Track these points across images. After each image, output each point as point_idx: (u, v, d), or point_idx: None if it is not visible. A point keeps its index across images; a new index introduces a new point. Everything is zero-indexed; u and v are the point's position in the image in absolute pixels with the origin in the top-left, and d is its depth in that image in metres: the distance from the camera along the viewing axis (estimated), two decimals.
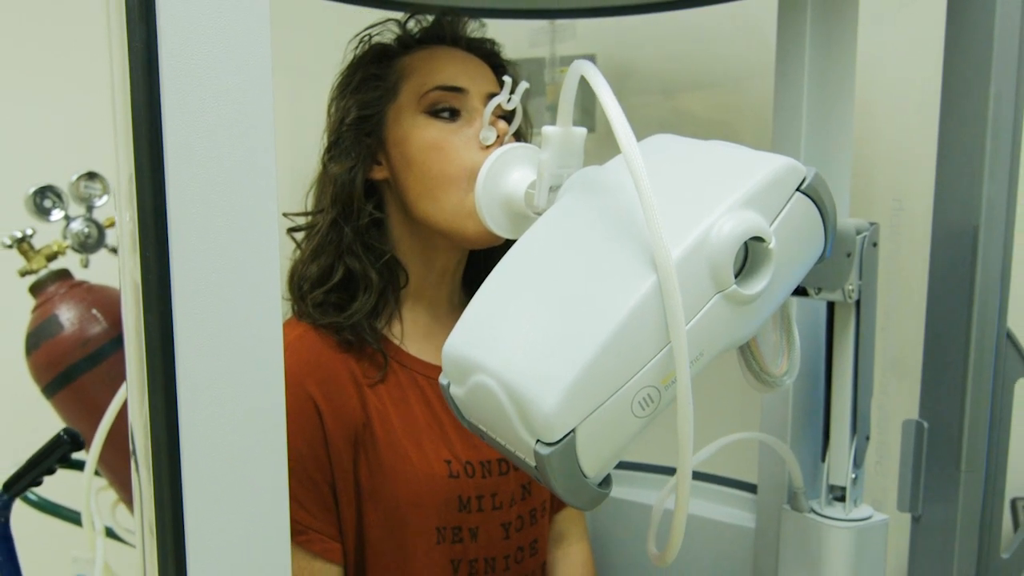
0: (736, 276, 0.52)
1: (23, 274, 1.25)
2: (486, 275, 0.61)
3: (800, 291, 0.76)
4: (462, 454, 0.88)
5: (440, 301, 0.94)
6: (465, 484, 0.87)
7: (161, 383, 0.45)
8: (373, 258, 0.88)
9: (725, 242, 0.50)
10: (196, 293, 0.44)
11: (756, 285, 0.52)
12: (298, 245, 0.93)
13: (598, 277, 0.53)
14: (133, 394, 0.68)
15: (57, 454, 0.94)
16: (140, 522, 0.73)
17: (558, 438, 0.49)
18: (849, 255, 0.76)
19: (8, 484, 1.00)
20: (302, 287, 0.88)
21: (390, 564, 0.87)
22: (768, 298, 0.54)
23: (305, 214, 0.93)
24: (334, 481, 0.85)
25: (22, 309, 1.26)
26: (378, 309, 0.89)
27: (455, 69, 0.88)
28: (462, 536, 0.88)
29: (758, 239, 0.51)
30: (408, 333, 0.92)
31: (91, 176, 1.26)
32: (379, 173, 0.90)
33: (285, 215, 0.91)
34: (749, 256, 0.53)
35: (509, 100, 0.84)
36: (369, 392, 0.87)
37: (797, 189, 0.54)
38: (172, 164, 0.44)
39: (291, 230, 0.93)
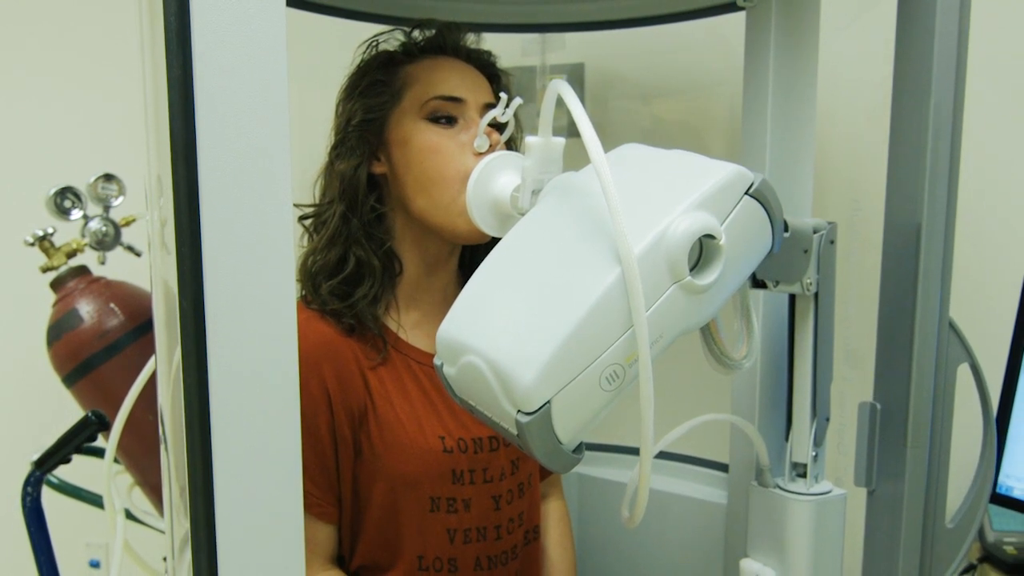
0: (691, 269, 0.59)
1: (44, 270, 1.32)
2: (475, 269, 0.68)
3: (760, 284, 0.82)
4: (455, 432, 0.96)
5: (434, 293, 1.01)
6: (459, 458, 0.95)
7: (194, 361, 0.51)
8: (375, 247, 0.95)
9: (681, 239, 0.57)
10: (225, 281, 0.50)
11: (708, 277, 0.59)
12: (308, 232, 1.00)
13: (571, 269, 0.60)
14: (162, 378, 0.75)
15: (85, 434, 1.00)
16: (168, 501, 0.79)
17: (536, 408, 0.56)
18: (806, 251, 0.81)
19: (40, 462, 1.06)
20: (316, 276, 0.95)
21: (387, 530, 0.95)
22: (720, 288, 0.61)
23: (314, 206, 1.00)
24: (337, 454, 0.93)
25: (39, 303, 1.32)
26: (378, 296, 0.96)
27: (455, 81, 0.95)
28: (456, 507, 0.95)
29: (710, 236, 0.58)
30: (404, 322, 0.99)
31: (108, 178, 1.32)
32: (379, 168, 0.97)
33: (295, 206, 0.98)
34: (703, 251, 0.60)
35: (503, 113, 0.91)
36: (371, 374, 0.94)
37: (746, 192, 0.61)
38: (204, 170, 0.50)
39: (302, 218, 1.00)
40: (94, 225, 1.31)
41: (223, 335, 0.51)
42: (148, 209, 0.81)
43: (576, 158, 0.76)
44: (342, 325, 0.94)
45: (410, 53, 0.99)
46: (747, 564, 0.90)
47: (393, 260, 0.97)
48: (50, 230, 1.33)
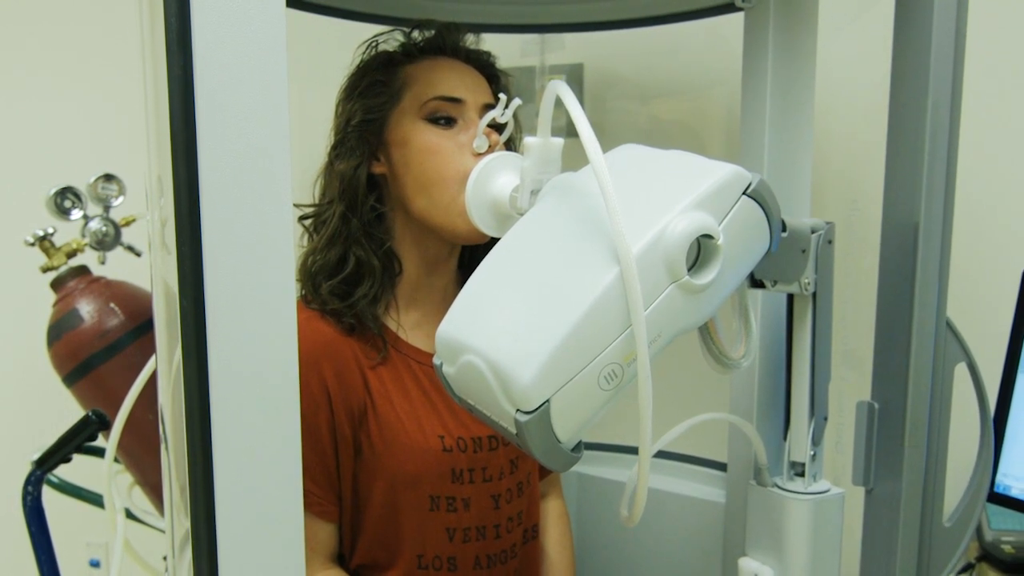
0: (689, 269, 0.59)
1: (44, 270, 1.32)
2: (474, 269, 0.68)
3: (758, 283, 0.82)
4: (454, 431, 0.96)
5: (433, 293, 1.02)
6: (458, 457, 0.95)
7: (194, 361, 0.51)
8: (375, 247, 0.96)
9: (679, 239, 0.57)
10: (225, 281, 0.51)
11: (706, 276, 0.59)
12: (308, 232, 1.00)
13: (570, 269, 0.60)
14: (163, 377, 0.75)
15: (85, 433, 1.00)
16: (169, 500, 0.80)
17: (535, 407, 0.57)
18: (804, 251, 0.81)
19: (40, 461, 1.07)
20: (316, 276, 0.96)
21: (387, 529, 0.95)
22: (718, 288, 0.61)
23: (314, 206, 1.01)
24: (337, 453, 0.93)
25: (39, 303, 1.32)
26: (377, 296, 0.96)
27: (454, 81, 0.95)
28: (455, 506, 0.95)
29: (708, 236, 0.59)
30: (404, 322, 0.99)
31: (108, 178, 1.32)
32: (379, 168, 0.97)
33: (295, 206, 0.98)
34: (701, 251, 0.60)
35: (502, 114, 0.92)
36: (370, 373, 0.95)
37: (744, 192, 0.61)
38: (204, 170, 0.50)
39: (302, 218, 1.00)
40: (94, 225, 1.31)
41: (223, 335, 0.51)
42: (148, 209, 0.81)
43: (575, 158, 0.77)
44: (342, 325, 0.95)
45: (409, 54, 0.99)
46: (745, 563, 0.90)
47: (393, 260, 0.98)
48: (50, 230, 1.34)
